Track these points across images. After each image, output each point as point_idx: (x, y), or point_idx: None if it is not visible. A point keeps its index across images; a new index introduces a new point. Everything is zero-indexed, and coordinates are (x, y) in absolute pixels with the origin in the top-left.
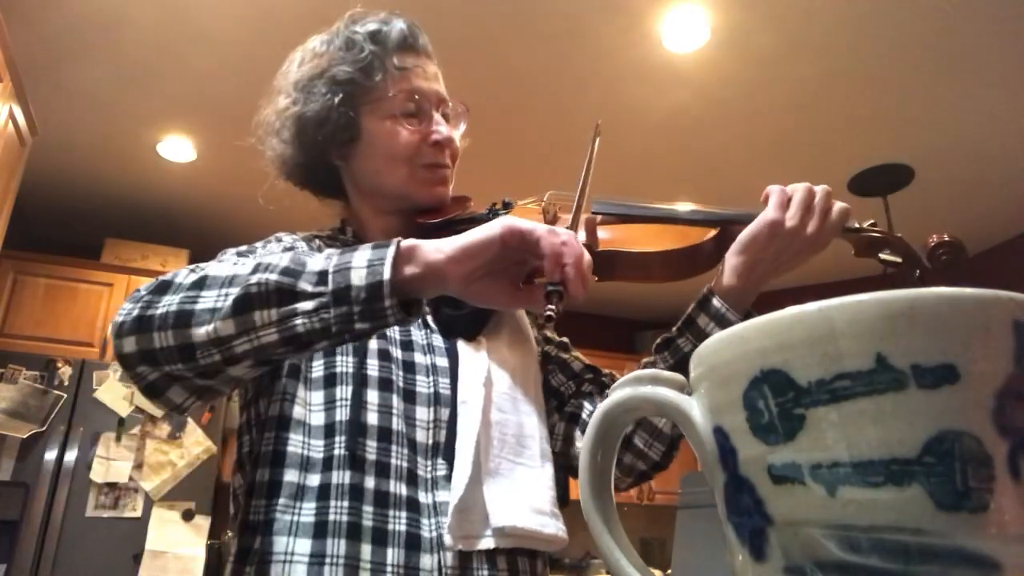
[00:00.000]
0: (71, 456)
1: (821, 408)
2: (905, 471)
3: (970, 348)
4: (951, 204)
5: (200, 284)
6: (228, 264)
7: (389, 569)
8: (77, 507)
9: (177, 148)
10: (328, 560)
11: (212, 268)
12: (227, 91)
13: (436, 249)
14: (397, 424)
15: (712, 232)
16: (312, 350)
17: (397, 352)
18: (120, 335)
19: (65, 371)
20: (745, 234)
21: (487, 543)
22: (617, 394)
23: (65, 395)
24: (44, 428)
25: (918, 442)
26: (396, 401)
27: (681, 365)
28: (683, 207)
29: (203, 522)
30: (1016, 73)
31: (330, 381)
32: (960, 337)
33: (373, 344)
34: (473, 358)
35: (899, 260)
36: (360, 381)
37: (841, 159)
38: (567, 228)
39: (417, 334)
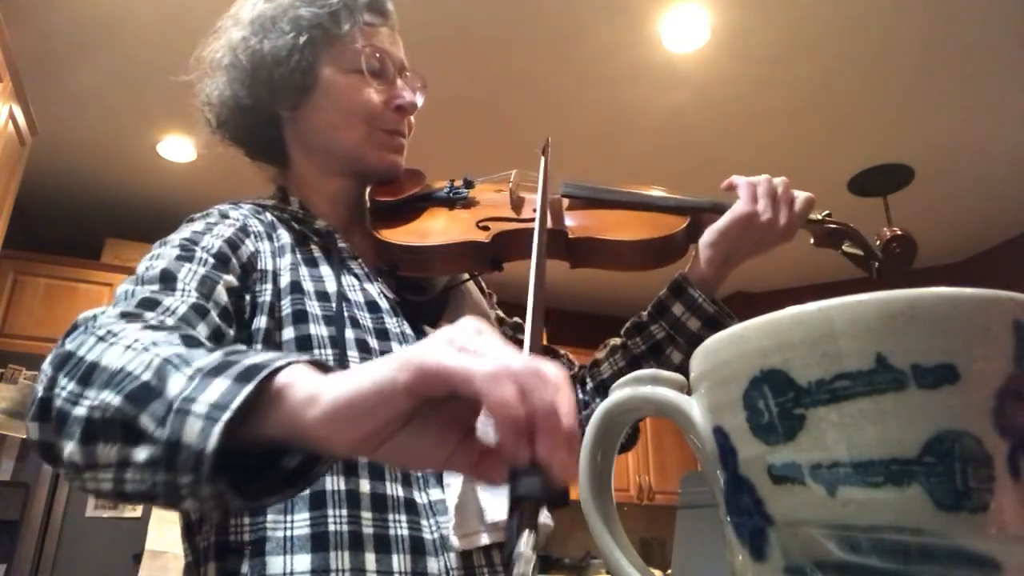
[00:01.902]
0: None
1: (821, 408)
2: (905, 471)
3: (970, 348)
4: (951, 204)
5: (88, 376)
6: (130, 337)
7: None
8: (77, 507)
9: (177, 148)
10: (333, 573)
11: (114, 346)
12: None
13: (310, 399)
14: None
15: (683, 222)
16: (177, 509)
17: (374, 342)
18: (28, 415)
19: None
20: (720, 226)
21: (484, 539)
22: (617, 394)
23: None
24: None
25: (918, 442)
26: None
27: (654, 352)
28: (652, 192)
29: None
30: (1016, 73)
31: None
32: (960, 337)
33: (350, 334)
34: None
35: (860, 253)
36: None
37: (841, 159)
38: (533, 263)
39: (390, 322)
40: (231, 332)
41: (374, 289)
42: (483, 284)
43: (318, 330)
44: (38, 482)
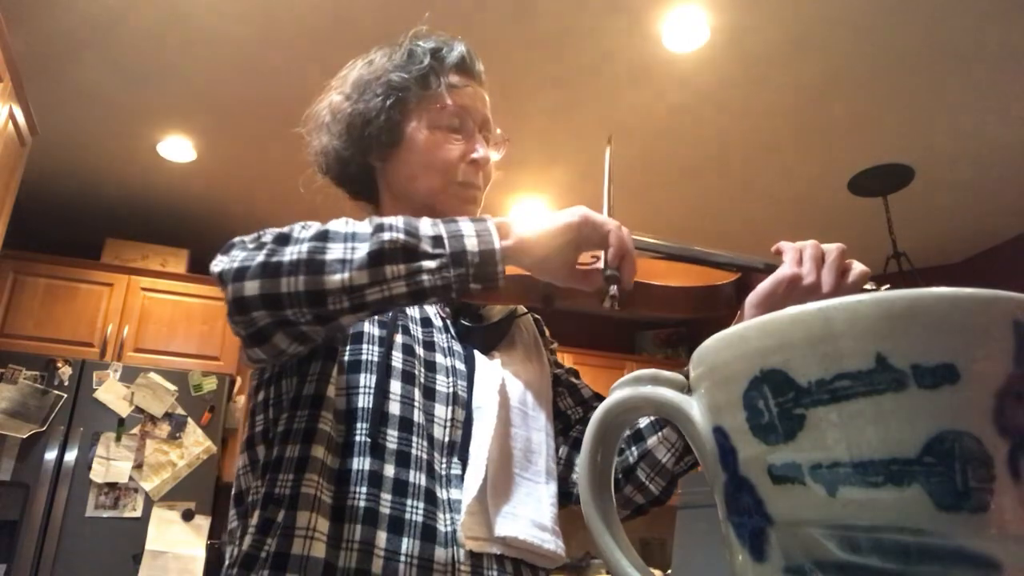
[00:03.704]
0: (71, 456)
1: (821, 408)
2: (905, 471)
3: (970, 348)
4: (951, 204)
5: (324, 237)
6: (341, 222)
7: (403, 558)
8: (77, 507)
9: (177, 148)
10: (344, 544)
11: (328, 225)
12: (227, 91)
13: (524, 227)
14: (418, 417)
15: (733, 277)
16: (423, 303)
17: (420, 350)
18: (242, 278)
19: (65, 371)
20: (764, 287)
21: (494, 550)
22: (617, 394)
23: (65, 395)
24: (44, 428)
25: (918, 442)
26: (417, 395)
27: None
28: (705, 249)
29: (203, 522)
30: (1016, 73)
31: (354, 367)
32: (960, 337)
33: (399, 338)
34: (488, 367)
35: None
36: (384, 371)
37: (841, 159)
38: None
39: (439, 337)
40: None
41: (431, 310)
42: (546, 331)
43: (371, 329)
44: (38, 482)
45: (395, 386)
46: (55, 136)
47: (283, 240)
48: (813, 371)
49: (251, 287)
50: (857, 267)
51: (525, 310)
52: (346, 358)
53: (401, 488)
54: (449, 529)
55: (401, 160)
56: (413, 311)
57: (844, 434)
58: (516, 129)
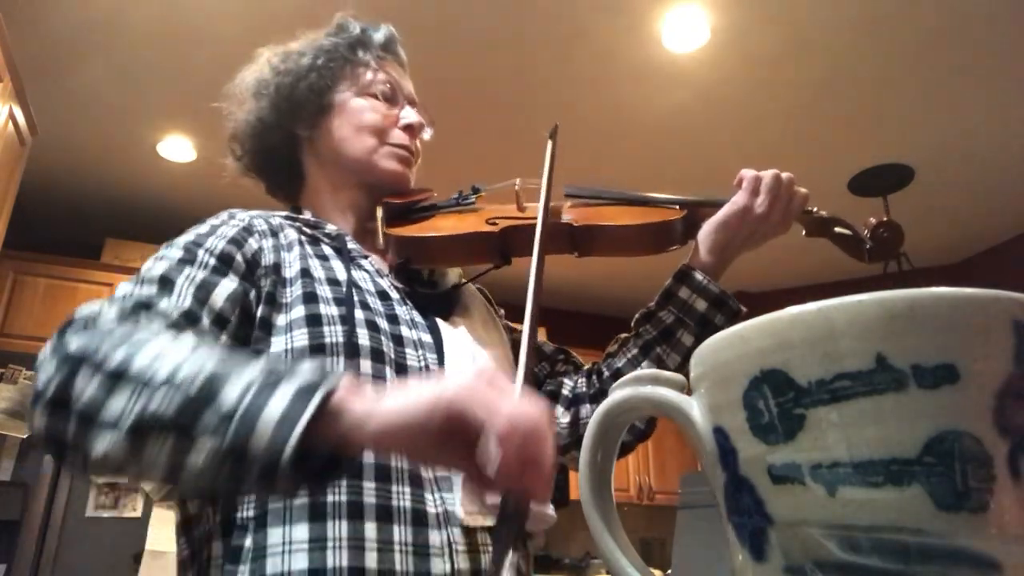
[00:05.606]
0: None
1: (821, 408)
2: (905, 471)
3: (970, 348)
4: (951, 204)
5: (117, 377)
6: (156, 346)
7: (397, 547)
8: (77, 507)
9: (177, 148)
10: (331, 544)
11: (140, 353)
12: None
13: (366, 416)
14: None
15: (681, 213)
16: (224, 494)
17: (385, 324)
18: (35, 405)
19: None
20: (719, 216)
21: (488, 520)
22: (617, 394)
23: None
24: None
25: (918, 442)
26: (389, 373)
27: (665, 336)
28: (647, 194)
29: None
30: (1016, 73)
31: (318, 351)
32: (960, 337)
33: (360, 315)
34: (456, 336)
35: (850, 234)
36: (351, 351)
37: (841, 159)
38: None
39: (400, 309)
40: (223, 338)
41: (384, 282)
42: (492, 299)
43: (328, 310)
44: (38, 482)
45: (365, 366)
46: (55, 136)
47: (78, 363)
48: (813, 371)
49: (40, 421)
50: (799, 193)
51: (478, 274)
52: (306, 342)
53: (384, 474)
54: (440, 510)
55: (330, 126)
56: (367, 284)
57: (844, 434)
58: (516, 129)
